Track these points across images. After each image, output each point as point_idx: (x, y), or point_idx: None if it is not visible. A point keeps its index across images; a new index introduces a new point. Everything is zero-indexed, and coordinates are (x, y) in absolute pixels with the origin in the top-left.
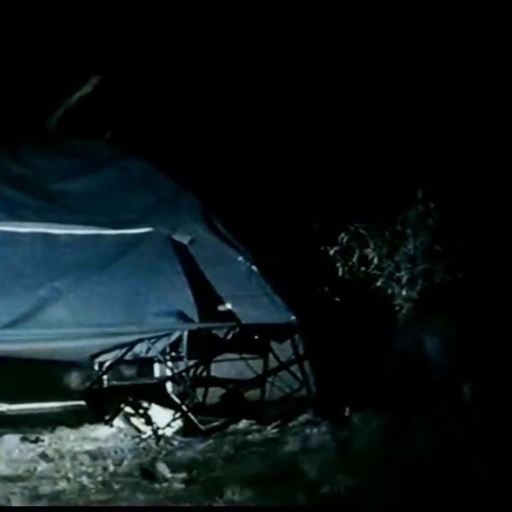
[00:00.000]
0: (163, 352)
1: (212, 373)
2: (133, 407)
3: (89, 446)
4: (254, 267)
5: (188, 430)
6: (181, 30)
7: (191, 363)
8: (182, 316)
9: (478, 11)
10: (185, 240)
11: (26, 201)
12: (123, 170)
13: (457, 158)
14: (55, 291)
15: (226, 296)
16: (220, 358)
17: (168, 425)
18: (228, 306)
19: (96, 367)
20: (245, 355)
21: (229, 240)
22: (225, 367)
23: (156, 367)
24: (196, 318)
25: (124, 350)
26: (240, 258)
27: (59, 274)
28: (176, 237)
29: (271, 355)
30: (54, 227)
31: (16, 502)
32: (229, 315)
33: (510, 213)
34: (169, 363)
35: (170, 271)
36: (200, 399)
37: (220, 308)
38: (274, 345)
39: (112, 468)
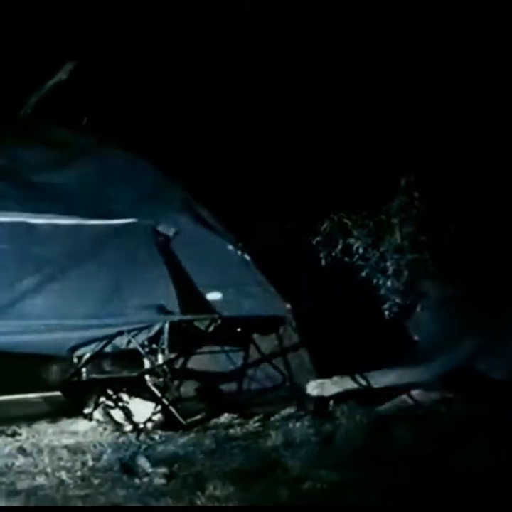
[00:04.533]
0: (143, 345)
1: (198, 366)
2: (113, 401)
3: (67, 441)
4: (246, 256)
5: (168, 424)
6: (160, 14)
7: (172, 355)
8: (163, 309)
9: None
10: (170, 231)
11: (6, 191)
12: (104, 160)
13: (440, 146)
14: (36, 282)
15: (216, 286)
16: (203, 350)
17: (149, 419)
18: (218, 296)
19: (75, 360)
20: (227, 348)
21: (217, 229)
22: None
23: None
24: (177, 311)
25: (103, 343)
26: (230, 247)
27: (39, 265)
28: (161, 228)
29: (255, 348)
30: (35, 217)
31: None
32: (214, 306)
33: (496, 201)
34: (150, 356)
35: (152, 263)
36: (182, 392)
37: (210, 297)
38: (258, 337)
39: (91, 462)
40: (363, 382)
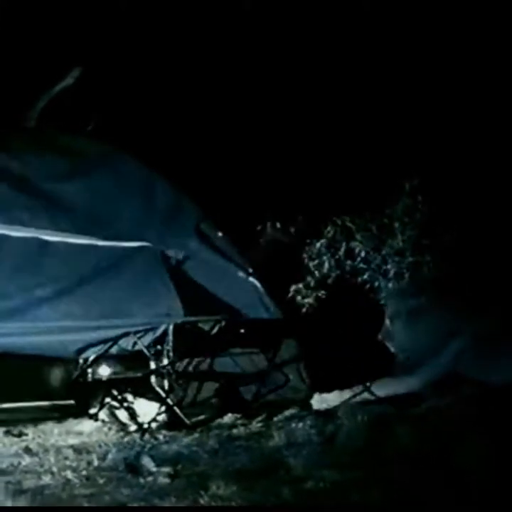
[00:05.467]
0: (149, 346)
1: (203, 368)
2: (118, 401)
3: (73, 441)
4: (256, 282)
5: (173, 424)
6: (165, 21)
7: (177, 357)
8: (167, 314)
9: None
10: (178, 255)
11: (19, 201)
12: (117, 173)
13: (443, 150)
14: (44, 296)
15: (223, 310)
16: (208, 352)
17: (153, 419)
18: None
19: (81, 361)
20: (231, 350)
21: (227, 254)
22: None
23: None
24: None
25: (109, 345)
26: (241, 273)
27: (51, 281)
28: (170, 253)
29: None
30: (48, 233)
31: None
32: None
33: (499, 205)
34: (155, 357)
35: (160, 284)
36: (186, 393)
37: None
38: (261, 339)
39: (96, 462)
40: (365, 394)
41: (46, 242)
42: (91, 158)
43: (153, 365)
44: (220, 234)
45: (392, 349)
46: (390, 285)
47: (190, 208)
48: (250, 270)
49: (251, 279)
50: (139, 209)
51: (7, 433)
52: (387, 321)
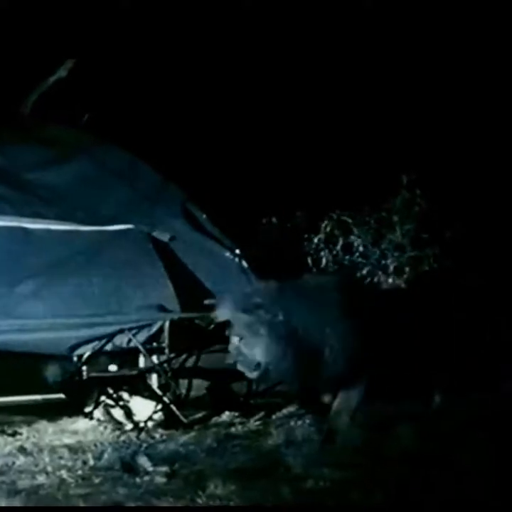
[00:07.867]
0: (144, 343)
1: (199, 365)
2: (113, 399)
3: (68, 440)
4: (242, 261)
5: (169, 423)
6: (160, 12)
7: (173, 354)
8: (163, 309)
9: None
10: (164, 237)
11: (2, 192)
12: (100, 160)
13: (441, 144)
14: (34, 286)
15: (211, 291)
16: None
17: (150, 418)
18: (213, 301)
19: (75, 359)
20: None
21: (213, 235)
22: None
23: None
24: (177, 310)
25: (103, 342)
26: (227, 253)
27: (38, 270)
28: (155, 234)
29: None
30: (32, 222)
31: None
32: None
33: (497, 199)
34: (150, 354)
35: (149, 267)
36: (182, 391)
37: (206, 302)
38: None
39: (91, 461)
40: None
41: (29, 232)
42: (75, 147)
43: (149, 363)
44: (204, 215)
45: (251, 375)
46: (390, 280)
47: (174, 189)
48: (237, 251)
49: (237, 258)
50: (123, 192)
51: (1, 432)
52: (235, 340)
